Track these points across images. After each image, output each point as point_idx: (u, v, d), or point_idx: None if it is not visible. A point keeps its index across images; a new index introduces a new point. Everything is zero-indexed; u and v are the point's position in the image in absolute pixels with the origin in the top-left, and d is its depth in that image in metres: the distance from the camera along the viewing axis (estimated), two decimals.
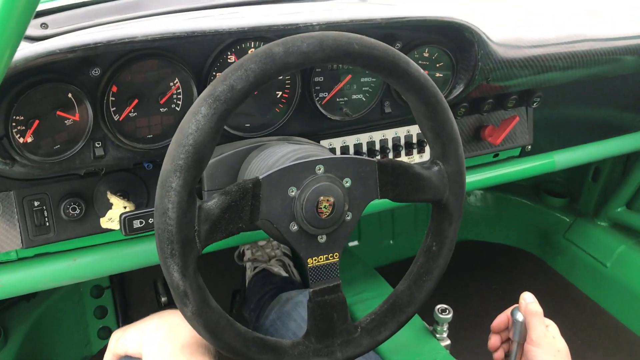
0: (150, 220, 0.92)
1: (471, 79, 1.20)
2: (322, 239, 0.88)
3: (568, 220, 2.29)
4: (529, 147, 1.56)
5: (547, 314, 1.03)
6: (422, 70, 0.87)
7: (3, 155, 0.88)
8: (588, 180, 2.26)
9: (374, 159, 0.89)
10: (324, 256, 0.89)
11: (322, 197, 0.83)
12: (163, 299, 1.92)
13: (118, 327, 1.76)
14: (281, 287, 1.66)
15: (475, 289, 2.17)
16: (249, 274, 1.81)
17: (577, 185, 2.33)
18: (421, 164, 0.94)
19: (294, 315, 1.21)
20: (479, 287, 2.19)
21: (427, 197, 0.94)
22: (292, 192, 0.83)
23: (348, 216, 0.88)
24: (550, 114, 1.56)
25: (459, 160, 0.94)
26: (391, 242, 2.31)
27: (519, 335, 1.03)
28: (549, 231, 2.33)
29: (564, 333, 1.02)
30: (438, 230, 0.97)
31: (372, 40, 0.83)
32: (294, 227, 0.85)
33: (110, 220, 1.02)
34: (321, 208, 0.84)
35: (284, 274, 1.76)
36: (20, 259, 1.07)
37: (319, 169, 0.85)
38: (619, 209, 2.16)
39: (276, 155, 0.92)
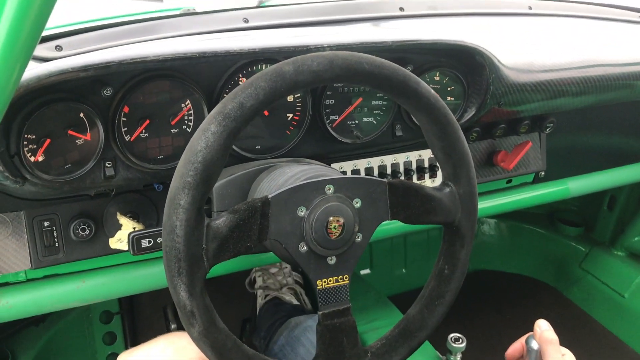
0: (159, 240, 0.92)
1: (483, 103, 1.20)
2: (332, 260, 0.86)
3: (584, 249, 2.26)
4: (543, 173, 1.55)
5: (563, 344, 1.00)
6: (432, 90, 0.87)
7: (14, 174, 0.89)
8: (603, 208, 2.23)
9: (384, 180, 0.88)
10: (334, 278, 0.87)
11: (331, 218, 0.82)
12: (172, 326, 1.90)
13: None
14: (291, 314, 1.64)
15: (489, 319, 2.13)
16: (259, 301, 1.79)
17: (592, 214, 2.30)
18: (434, 186, 0.93)
19: (303, 340, 1.19)
20: (492, 317, 2.14)
21: (439, 219, 0.93)
22: (302, 211, 0.82)
23: (358, 237, 0.87)
24: (564, 140, 1.55)
25: (471, 182, 0.93)
26: (403, 270, 2.28)
27: None
28: (565, 261, 2.29)
29: None
30: (450, 253, 0.96)
31: (382, 60, 0.83)
32: (303, 248, 0.84)
33: (119, 240, 1.02)
34: (331, 228, 0.82)
35: (295, 302, 1.74)
36: (29, 280, 1.07)
37: (329, 189, 0.84)
38: (635, 238, 2.12)
39: (286, 175, 0.92)
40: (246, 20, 1.20)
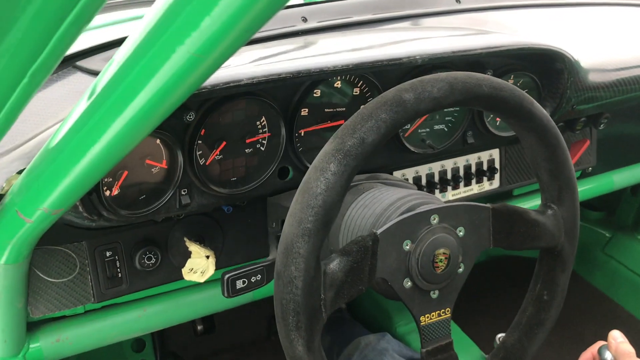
0: (253, 279, 0.84)
1: (558, 107, 1.13)
2: (435, 294, 0.81)
3: (607, 234, 2.24)
4: (590, 168, 1.50)
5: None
6: (544, 111, 0.80)
7: (90, 212, 0.80)
8: (627, 193, 2.21)
9: (487, 205, 0.82)
10: (436, 312, 0.82)
11: (437, 250, 0.76)
12: (199, 327, 1.84)
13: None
14: (329, 318, 1.58)
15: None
16: None
17: (614, 199, 2.27)
18: (536, 209, 0.87)
19: None
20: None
21: (542, 244, 0.88)
22: (407, 245, 0.76)
23: (461, 268, 0.81)
24: (606, 132, 1.50)
25: (575, 205, 0.89)
26: None
27: None
28: (587, 246, 2.27)
29: None
30: (549, 278, 0.91)
31: (499, 80, 0.76)
32: (408, 284, 0.78)
33: (192, 271, 0.93)
34: (437, 262, 0.77)
35: None
36: (87, 312, 0.98)
37: (434, 219, 0.78)
38: None
39: (382, 203, 0.85)
40: (305, 19, 1.11)
